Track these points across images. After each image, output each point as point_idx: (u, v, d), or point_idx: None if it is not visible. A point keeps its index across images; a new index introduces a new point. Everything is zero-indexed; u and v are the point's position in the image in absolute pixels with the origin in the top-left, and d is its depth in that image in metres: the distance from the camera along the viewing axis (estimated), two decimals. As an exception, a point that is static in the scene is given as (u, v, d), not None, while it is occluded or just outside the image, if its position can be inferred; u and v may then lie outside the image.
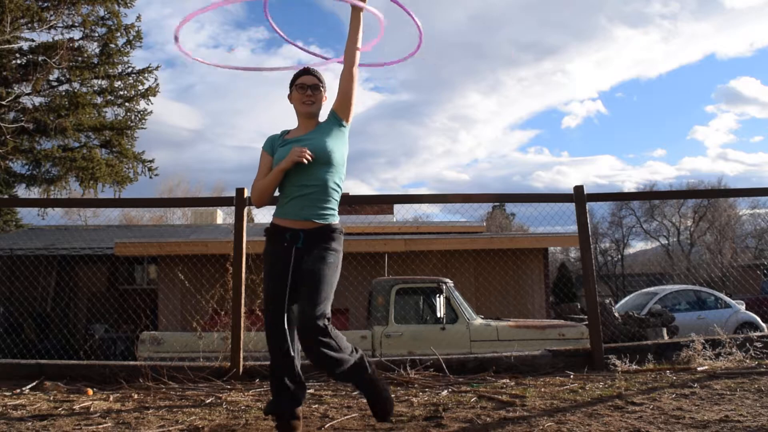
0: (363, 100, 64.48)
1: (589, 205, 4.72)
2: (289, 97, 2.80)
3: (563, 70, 60.29)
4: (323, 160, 2.62)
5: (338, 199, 2.72)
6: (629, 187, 50.89)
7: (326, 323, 2.46)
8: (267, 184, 2.70)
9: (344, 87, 2.75)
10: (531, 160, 66.14)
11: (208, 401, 3.39)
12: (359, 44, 2.79)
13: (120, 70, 15.72)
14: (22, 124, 14.01)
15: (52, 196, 14.89)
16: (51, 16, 13.99)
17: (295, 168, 2.61)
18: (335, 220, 2.69)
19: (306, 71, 2.79)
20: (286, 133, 2.80)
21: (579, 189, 4.63)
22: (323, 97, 2.79)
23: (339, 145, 2.70)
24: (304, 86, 2.74)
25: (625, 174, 60.30)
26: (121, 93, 15.99)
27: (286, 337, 2.58)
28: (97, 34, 15.25)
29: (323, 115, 2.81)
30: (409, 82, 57.40)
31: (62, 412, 3.15)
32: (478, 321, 6.91)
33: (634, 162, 63.44)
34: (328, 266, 2.56)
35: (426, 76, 62.82)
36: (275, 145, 2.76)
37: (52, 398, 3.51)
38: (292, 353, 2.60)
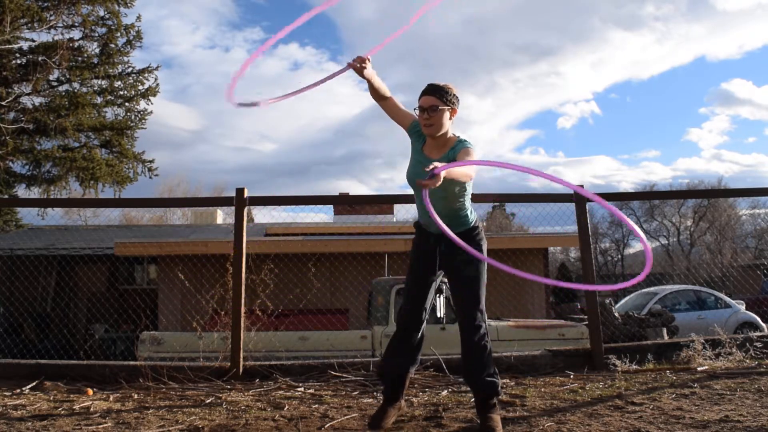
0: (359, 101, 64.43)
1: (589, 205, 4.72)
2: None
3: (558, 72, 60.30)
4: (440, 193, 2.58)
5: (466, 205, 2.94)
6: (625, 187, 50.94)
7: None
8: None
9: (461, 177, 2.49)
10: (527, 160, 65.97)
11: (208, 401, 3.39)
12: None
13: (120, 70, 15.69)
14: (22, 124, 14.00)
15: (52, 196, 14.87)
16: (51, 16, 13.97)
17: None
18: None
19: (424, 91, 2.70)
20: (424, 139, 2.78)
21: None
22: (445, 115, 2.66)
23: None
24: (422, 108, 2.67)
25: (620, 174, 60.30)
26: (121, 93, 15.96)
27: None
28: (97, 34, 15.21)
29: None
30: (405, 83, 57.50)
31: (62, 412, 3.15)
32: (478, 321, 6.89)
33: (628, 162, 63.50)
34: None
35: (422, 78, 62.83)
36: (414, 133, 2.83)
37: (52, 398, 3.51)
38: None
